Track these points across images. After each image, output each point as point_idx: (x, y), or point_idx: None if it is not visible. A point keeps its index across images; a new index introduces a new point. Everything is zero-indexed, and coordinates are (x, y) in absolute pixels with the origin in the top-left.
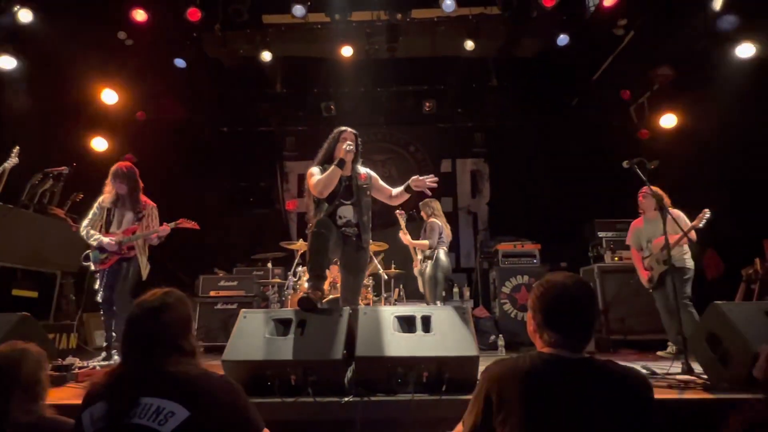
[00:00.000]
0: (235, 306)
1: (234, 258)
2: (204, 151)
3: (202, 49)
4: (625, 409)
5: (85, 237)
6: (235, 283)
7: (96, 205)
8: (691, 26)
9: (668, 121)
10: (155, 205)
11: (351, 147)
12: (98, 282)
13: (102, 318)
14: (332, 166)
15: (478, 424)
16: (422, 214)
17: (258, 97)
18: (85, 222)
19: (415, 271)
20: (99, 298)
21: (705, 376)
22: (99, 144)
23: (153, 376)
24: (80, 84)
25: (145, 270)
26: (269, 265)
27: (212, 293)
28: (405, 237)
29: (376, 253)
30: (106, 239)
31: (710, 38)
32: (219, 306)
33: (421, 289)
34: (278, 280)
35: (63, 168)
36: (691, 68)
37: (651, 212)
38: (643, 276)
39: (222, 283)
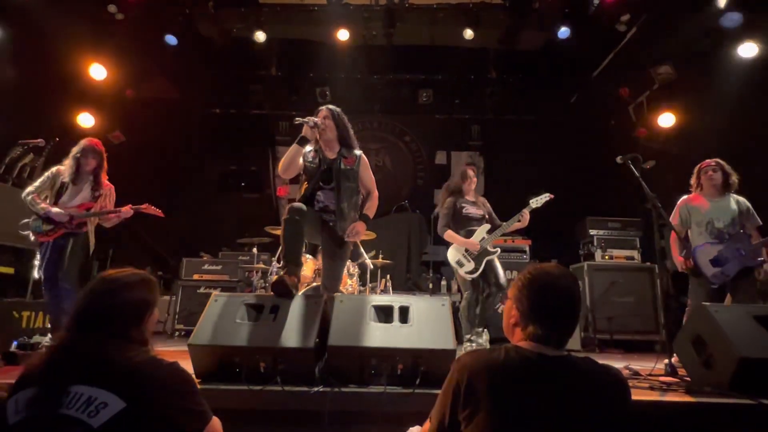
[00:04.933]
0: (218, 290)
1: (221, 242)
2: (194, 132)
3: (194, 26)
4: (601, 409)
5: (29, 203)
6: (219, 267)
7: (48, 173)
8: (694, 24)
9: (666, 120)
10: (113, 186)
11: (314, 123)
12: (39, 256)
13: (45, 297)
14: (294, 143)
15: (446, 417)
16: (469, 184)
17: (251, 80)
18: (30, 188)
19: (463, 263)
20: (39, 274)
21: (688, 379)
22: (85, 120)
23: (90, 361)
24: (67, 57)
25: (92, 247)
26: (255, 250)
27: (195, 276)
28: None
29: (363, 243)
30: (55, 209)
31: (713, 37)
32: (201, 290)
33: (459, 287)
34: (263, 266)
35: (39, 140)
36: (693, 67)
37: (714, 191)
38: (681, 262)
39: (206, 267)
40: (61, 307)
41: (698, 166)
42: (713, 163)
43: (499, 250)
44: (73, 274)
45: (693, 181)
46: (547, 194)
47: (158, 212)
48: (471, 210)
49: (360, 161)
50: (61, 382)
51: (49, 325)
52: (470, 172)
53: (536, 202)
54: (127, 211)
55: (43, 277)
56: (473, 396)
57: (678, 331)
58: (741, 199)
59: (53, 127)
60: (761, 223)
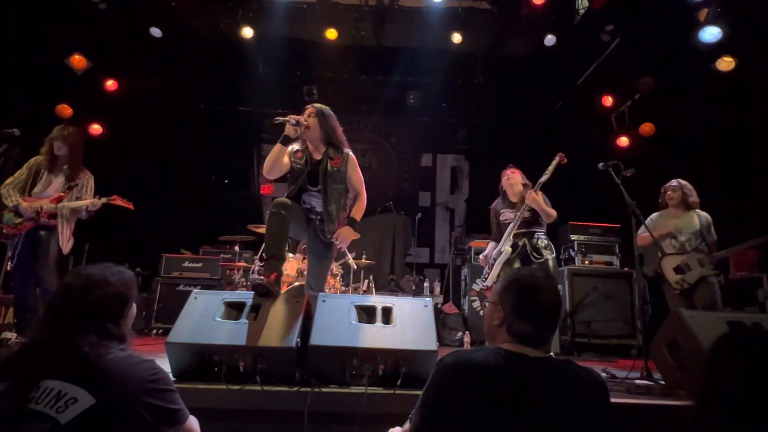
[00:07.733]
0: (198, 288)
1: (202, 239)
2: (178, 127)
3: (181, 19)
4: (581, 411)
5: (3, 195)
6: (200, 264)
7: (27, 164)
8: (675, 37)
9: (647, 129)
10: (92, 175)
11: (295, 121)
12: (10, 248)
13: (13, 289)
14: (277, 143)
15: (426, 418)
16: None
17: (238, 76)
18: (8, 180)
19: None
20: (9, 267)
21: (663, 382)
22: (64, 111)
23: (62, 356)
24: (48, 46)
25: (67, 243)
26: (237, 248)
27: (175, 274)
28: (537, 197)
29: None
30: (24, 204)
31: (692, 50)
32: (181, 287)
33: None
34: (244, 264)
35: (14, 130)
36: (673, 78)
37: (677, 208)
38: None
39: (186, 264)
40: (26, 303)
41: (664, 186)
42: (674, 183)
43: (509, 249)
44: (47, 271)
45: (660, 199)
46: (556, 157)
47: (128, 204)
48: (508, 215)
49: (348, 161)
50: (32, 377)
51: (15, 320)
52: (507, 172)
53: (546, 175)
54: (94, 202)
55: (13, 268)
56: (454, 396)
57: (654, 335)
58: (703, 214)
59: (30, 116)
60: (716, 238)
